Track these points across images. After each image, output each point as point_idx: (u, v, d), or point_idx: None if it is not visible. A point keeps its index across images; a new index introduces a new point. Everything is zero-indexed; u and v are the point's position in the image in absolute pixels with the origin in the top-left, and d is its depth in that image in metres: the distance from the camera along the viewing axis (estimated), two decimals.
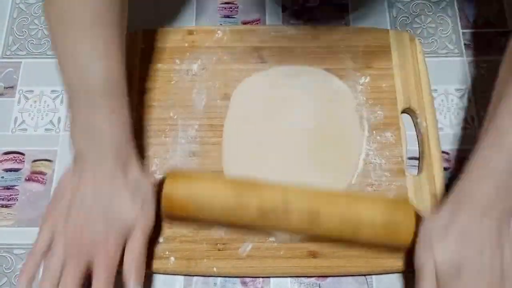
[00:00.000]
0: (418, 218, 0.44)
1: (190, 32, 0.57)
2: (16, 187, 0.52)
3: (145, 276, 0.44)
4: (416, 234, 0.43)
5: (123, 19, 0.45)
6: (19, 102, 0.56)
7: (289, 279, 0.48)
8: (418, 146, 0.53)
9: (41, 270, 0.43)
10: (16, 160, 0.53)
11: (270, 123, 0.53)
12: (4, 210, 0.51)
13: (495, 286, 0.41)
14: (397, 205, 0.45)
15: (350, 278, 0.48)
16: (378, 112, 0.53)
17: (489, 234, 0.41)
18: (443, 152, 0.52)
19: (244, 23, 0.59)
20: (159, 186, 0.45)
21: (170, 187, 0.45)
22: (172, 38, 0.57)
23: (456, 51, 0.58)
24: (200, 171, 0.51)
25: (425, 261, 0.42)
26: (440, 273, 0.41)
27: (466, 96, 0.56)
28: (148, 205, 0.44)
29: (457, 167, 0.52)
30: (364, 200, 0.45)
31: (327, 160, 0.51)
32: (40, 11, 0.60)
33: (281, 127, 0.52)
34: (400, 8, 0.60)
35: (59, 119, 0.55)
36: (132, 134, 0.45)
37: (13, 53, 0.58)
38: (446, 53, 0.58)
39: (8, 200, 0.51)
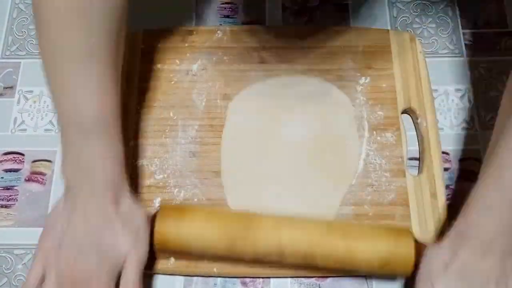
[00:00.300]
0: (419, 248, 0.43)
1: (190, 32, 0.57)
2: (15, 188, 0.52)
3: (144, 277, 0.44)
4: (416, 265, 0.42)
5: (118, 55, 0.44)
6: (18, 102, 0.55)
7: (289, 279, 0.48)
8: (418, 147, 0.53)
9: None
10: (15, 161, 0.53)
11: (269, 134, 0.52)
12: (3, 210, 0.51)
13: None
14: (397, 238, 0.44)
15: (350, 278, 0.48)
16: (378, 112, 0.53)
17: (491, 270, 0.40)
18: (443, 152, 0.52)
19: (244, 23, 0.59)
20: (152, 221, 0.44)
21: (162, 224, 0.44)
22: (172, 38, 0.57)
23: (457, 51, 0.58)
24: (196, 205, 0.49)
25: None
26: None
27: (466, 96, 0.56)
28: (141, 237, 0.43)
29: (457, 167, 0.52)
30: (362, 237, 0.44)
31: (326, 167, 0.51)
32: None
33: (279, 137, 0.52)
34: (401, 8, 0.60)
35: None
36: (124, 168, 0.44)
37: (12, 53, 0.58)
38: (447, 53, 0.58)
39: (8, 201, 0.51)
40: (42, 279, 0.42)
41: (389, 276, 0.47)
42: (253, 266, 0.47)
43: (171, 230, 0.44)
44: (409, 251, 0.43)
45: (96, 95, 0.41)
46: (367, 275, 0.48)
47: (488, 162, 0.42)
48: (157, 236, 0.44)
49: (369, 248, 0.43)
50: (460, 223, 0.42)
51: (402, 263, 0.43)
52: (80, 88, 0.41)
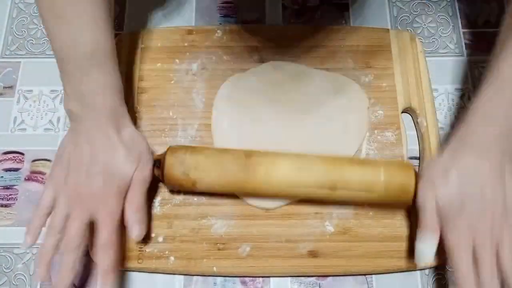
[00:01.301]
0: (418, 178, 0.45)
1: (190, 32, 0.57)
2: (15, 187, 0.52)
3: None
4: (416, 191, 0.44)
5: None
6: (18, 102, 0.55)
7: (289, 278, 0.48)
8: (419, 146, 0.53)
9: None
10: (15, 160, 0.53)
11: (268, 120, 0.53)
12: (3, 209, 0.51)
13: (497, 221, 0.42)
14: (399, 167, 0.46)
15: (350, 278, 0.48)
16: (378, 111, 0.53)
17: (490, 172, 0.42)
18: None
19: (244, 22, 0.59)
20: (163, 155, 0.47)
21: (170, 158, 0.46)
22: (171, 38, 0.57)
23: (457, 50, 0.58)
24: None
25: (427, 199, 0.43)
26: (443, 210, 0.42)
27: (466, 95, 0.56)
28: (144, 160, 0.46)
29: None
30: (366, 165, 0.46)
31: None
32: None
33: (277, 134, 0.52)
34: (401, 8, 0.60)
35: (58, 119, 0.55)
36: (123, 98, 0.47)
37: (12, 52, 0.58)
38: (447, 52, 0.58)
39: (8, 200, 0.51)
40: (53, 205, 0.44)
41: (392, 207, 0.48)
42: (253, 266, 0.47)
43: (180, 155, 0.46)
44: (410, 175, 0.45)
45: (91, 27, 0.43)
46: (367, 274, 0.48)
47: (489, 73, 0.43)
48: (167, 160, 0.46)
49: (374, 170, 0.45)
50: (460, 131, 0.44)
51: (403, 190, 0.45)
52: (75, 20, 0.43)
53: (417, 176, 0.45)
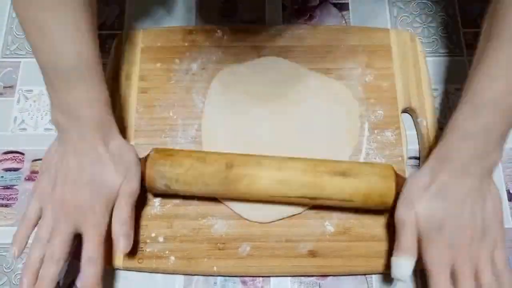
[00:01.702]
0: (399, 180, 0.45)
1: (190, 32, 0.57)
2: (15, 187, 0.52)
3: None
4: (397, 196, 0.45)
5: (92, 3, 0.45)
6: (18, 101, 0.55)
7: (289, 278, 0.48)
8: (419, 146, 0.53)
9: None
10: (15, 160, 0.53)
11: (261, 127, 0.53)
12: (3, 209, 0.51)
13: (476, 240, 0.42)
14: (379, 172, 0.46)
15: (350, 278, 0.48)
16: (378, 111, 0.53)
17: (470, 189, 0.42)
18: None
19: (244, 22, 0.59)
20: (144, 163, 0.47)
21: (152, 164, 0.46)
22: (172, 38, 0.57)
23: (457, 50, 0.58)
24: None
25: (406, 216, 0.43)
26: (422, 228, 0.42)
27: None
28: (132, 172, 0.46)
29: None
30: (348, 172, 0.46)
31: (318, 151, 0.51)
32: None
33: (275, 132, 0.52)
34: (401, 8, 0.60)
35: None
36: (110, 109, 0.46)
37: (12, 52, 0.58)
38: (447, 52, 0.58)
39: (8, 200, 0.51)
40: (39, 216, 0.45)
41: (374, 211, 0.48)
42: (253, 265, 0.47)
43: (160, 168, 0.46)
44: (390, 190, 0.45)
45: (73, 39, 0.42)
46: (367, 274, 0.48)
47: (466, 87, 0.43)
48: (148, 174, 0.46)
49: (354, 182, 0.45)
50: (440, 148, 0.44)
51: (382, 202, 0.45)
52: (56, 33, 0.42)
53: (398, 185, 0.45)
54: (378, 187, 0.45)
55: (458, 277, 0.41)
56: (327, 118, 0.53)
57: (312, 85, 0.54)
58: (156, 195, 0.50)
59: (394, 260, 0.43)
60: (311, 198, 0.46)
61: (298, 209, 0.49)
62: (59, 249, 0.43)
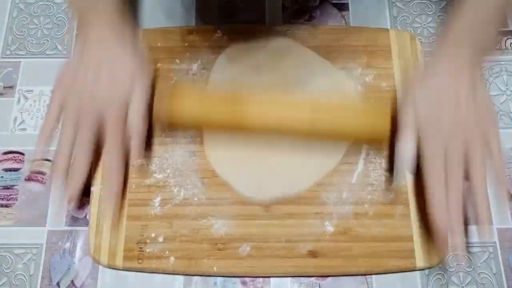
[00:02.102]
0: (394, 119, 0.48)
1: (190, 32, 0.57)
2: (15, 187, 0.52)
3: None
4: (392, 134, 0.47)
5: None
6: (18, 101, 0.55)
7: (289, 279, 0.48)
8: None
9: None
10: (15, 160, 0.53)
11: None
12: (3, 209, 0.51)
13: (469, 133, 0.45)
14: (374, 107, 0.49)
15: (350, 278, 0.48)
16: None
17: (462, 83, 0.46)
18: None
19: (244, 22, 0.59)
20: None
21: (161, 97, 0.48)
22: (172, 38, 0.57)
23: None
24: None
25: (407, 112, 0.46)
26: (421, 123, 0.45)
27: None
28: (145, 69, 0.49)
29: None
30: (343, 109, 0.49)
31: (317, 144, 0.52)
32: (39, 10, 0.60)
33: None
34: (401, 8, 0.60)
35: None
36: (126, 5, 0.49)
37: (12, 52, 0.58)
38: None
39: (8, 200, 0.51)
40: (60, 112, 0.47)
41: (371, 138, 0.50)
42: (253, 266, 0.47)
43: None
44: (386, 107, 0.49)
45: None
46: (367, 275, 0.48)
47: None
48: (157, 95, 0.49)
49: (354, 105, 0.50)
50: (434, 51, 0.49)
51: (379, 116, 0.48)
52: None
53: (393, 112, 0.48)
54: (375, 104, 0.50)
55: (449, 171, 0.44)
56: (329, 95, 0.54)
57: (318, 70, 0.55)
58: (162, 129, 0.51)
59: (400, 144, 0.46)
60: (312, 112, 0.48)
61: (300, 187, 0.50)
62: (87, 137, 0.46)
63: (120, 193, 0.48)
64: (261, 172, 0.50)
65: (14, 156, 0.53)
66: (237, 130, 0.49)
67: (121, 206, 0.48)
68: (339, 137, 0.50)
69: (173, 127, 0.50)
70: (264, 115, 0.48)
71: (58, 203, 0.49)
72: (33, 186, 0.52)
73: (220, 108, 0.48)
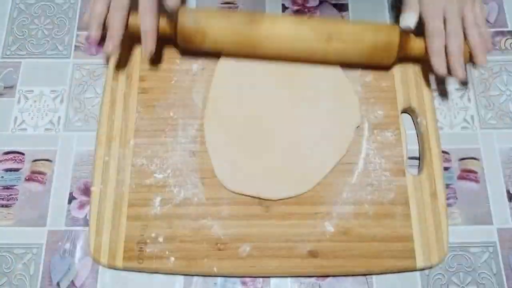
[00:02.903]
0: (404, 36, 0.52)
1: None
2: (15, 187, 0.52)
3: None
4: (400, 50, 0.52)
5: None
6: (19, 102, 0.56)
7: (289, 279, 0.48)
8: (418, 146, 0.53)
9: None
10: (16, 160, 0.53)
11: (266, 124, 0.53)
12: (4, 210, 0.51)
13: None
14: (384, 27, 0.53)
15: (350, 278, 0.48)
16: (378, 111, 0.53)
17: None
18: (443, 151, 0.52)
19: None
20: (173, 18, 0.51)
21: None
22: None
23: None
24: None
25: None
26: None
27: (466, 96, 0.56)
28: None
29: (457, 166, 0.52)
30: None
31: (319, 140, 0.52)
32: (40, 11, 0.60)
33: (277, 129, 0.53)
34: (401, 8, 0.60)
35: (59, 119, 0.55)
36: None
37: (13, 53, 0.58)
38: None
39: (8, 200, 0.51)
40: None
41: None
42: (253, 266, 0.47)
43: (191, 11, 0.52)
44: (395, 29, 0.52)
45: None
46: (367, 275, 0.48)
47: None
48: (179, 23, 0.51)
49: (361, 27, 0.52)
50: None
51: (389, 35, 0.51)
52: None
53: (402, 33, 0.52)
54: (385, 26, 0.53)
55: (447, 19, 0.51)
56: (332, 94, 0.54)
57: (318, 70, 0.55)
58: (182, 52, 0.55)
59: (404, 14, 0.52)
60: (326, 40, 0.51)
61: (300, 187, 0.50)
62: None
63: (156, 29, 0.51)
64: (261, 172, 0.50)
65: (14, 156, 0.53)
66: (252, 48, 0.52)
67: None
68: (355, 52, 0.52)
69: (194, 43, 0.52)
70: (279, 30, 0.51)
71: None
72: (33, 186, 0.52)
73: (237, 25, 0.51)
